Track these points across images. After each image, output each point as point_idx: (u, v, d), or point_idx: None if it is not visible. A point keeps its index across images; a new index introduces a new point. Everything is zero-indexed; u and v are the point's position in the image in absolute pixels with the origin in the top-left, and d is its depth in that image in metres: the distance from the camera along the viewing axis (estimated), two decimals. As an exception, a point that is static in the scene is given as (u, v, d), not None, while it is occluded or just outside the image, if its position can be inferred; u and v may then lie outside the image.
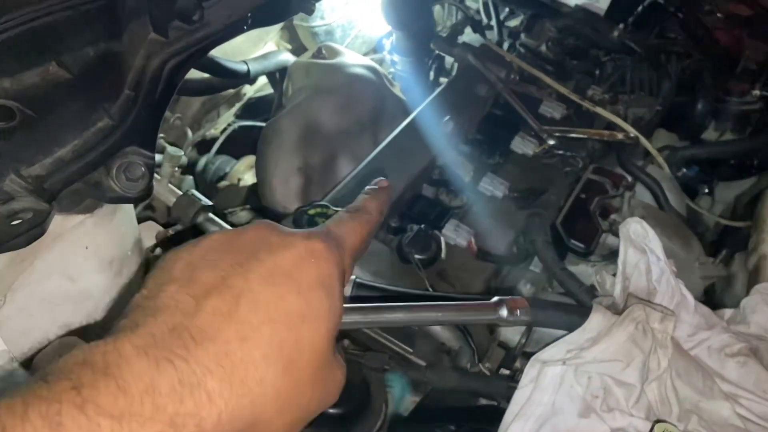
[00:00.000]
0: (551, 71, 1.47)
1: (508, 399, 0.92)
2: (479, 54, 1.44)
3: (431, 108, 1.31)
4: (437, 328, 0.95)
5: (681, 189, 1.41)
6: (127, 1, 0.76)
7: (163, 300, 0.43)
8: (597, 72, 1.50)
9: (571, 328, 0.91)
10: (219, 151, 1.76)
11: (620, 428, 0.92)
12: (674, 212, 1.32)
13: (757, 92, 1.44)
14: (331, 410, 0.90)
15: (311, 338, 0.46)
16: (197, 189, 1.69)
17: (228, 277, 0.45)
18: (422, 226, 1.03)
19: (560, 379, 0.92)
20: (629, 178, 1.33)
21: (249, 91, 1.74)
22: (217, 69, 1.41)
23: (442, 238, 1.05)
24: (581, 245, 1.15)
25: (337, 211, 1.02)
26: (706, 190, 1.54)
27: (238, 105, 1.73)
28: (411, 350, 1.00)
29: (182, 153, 0.99)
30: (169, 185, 0.90)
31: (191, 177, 1.74)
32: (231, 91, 1.66)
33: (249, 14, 0.91)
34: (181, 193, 0.90)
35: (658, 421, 0.83)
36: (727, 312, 1.19)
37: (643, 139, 1.37)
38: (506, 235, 1.16)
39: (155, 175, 0.90)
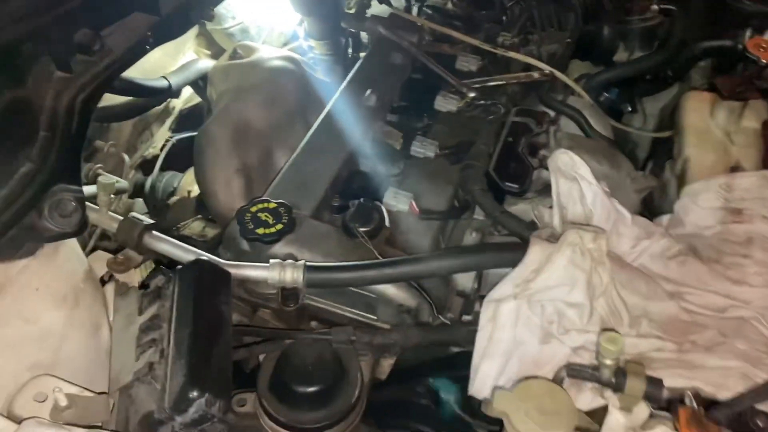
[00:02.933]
0: (460, 26, 1.51)
1: (473, 342, 0.97)
2: (389, 24, 1.47)
3: (352, 86, 1.35)
4: (393, 291, 1.00)
5: (604, 113, 1.48)
6: (24, 46, 0.77)
7: None
8: (504, 18, 1.55)
9: (515, 265, 0.96)
10: (163, 168, 1.77)
11: (579, 346, 0.98)
12: (600, 136, 1.38)
13: (655, 7, 1.50)
14: (308, 389, 0.95)
15: None
16: (148, 209, 1.72)
17: None
18: (362, 199, 1.08)
19: (516, 313, 0.97)
20: (552, 114, 1.39)
21: (177, 104, 1.75)
22: (138, 90, 1.42)
23: (383, 207, 1.09)
24: (515, 186, 1.21)
25: (279, 204, 1.06)
26: (630, 109, 1.60)
27: (169, 120, 1.74)
28: (375, 317, 1.05)
29: (115, 180, 1.01)
30: (109, 213, 0.93)
31: (141, 199, 1.76)
32: (158, 108, 1.67)
33: (149, 33, 0.93)
34: (122, 218, 0.93)
35: (603, 330, 0.89)
36: (665, 218, 1.26)
37: (558, 73, 1.42)
38: (445, 191, 1.21)
39: (93, 205, 0.93)
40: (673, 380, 0.87)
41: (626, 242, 1.17)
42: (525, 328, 0.97)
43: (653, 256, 1.16)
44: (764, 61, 1.38)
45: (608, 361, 0.81)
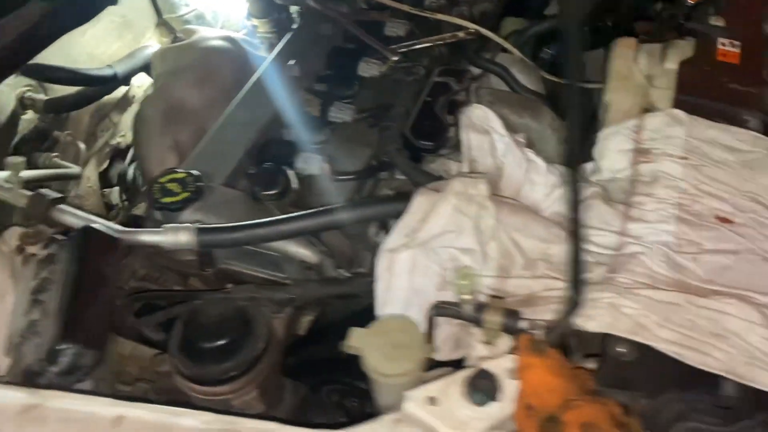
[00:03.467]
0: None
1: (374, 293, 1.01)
2: (318, -4, 1.50)
3: (278, 58, 1.39)
4: (294, 249, 1.05)
5: (536, 66, 1.48)
6: None
7: None
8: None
9: (396, 217, 0.99)
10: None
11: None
12: (526, 90, 1.39)
13: (581, -44, 1.49)
14: (212, 344, 1.00)
15: None
16: (125, 197, 1.80)
17: None
18: (267, 164, 1.12)
19: (411, 262, 1.01)
20: (477, 72, 1.40)
21: (138, 92, 1.82)
22: (82, 79, 1.50)
23: (292, 171, 1.13)
24: (428, 143, 1.23)
25: (188, 174, 1.11)
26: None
27: (132, 108, 1.81)
28: (283, 275, 1.10)
29: (23, 159, 1.08)
30: (21, 191, 1.00)
31: (117, 188, 1.84)
32: (116, 96, 1.73)
33: (42, 21, 0.99)
34: (31, 194, 1.00)
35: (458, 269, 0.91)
36: (589, 166, 1.27)
37: (484, 31, 1.43)
38: (363, 153, 1.25)
39: (4, 184, 1.00)
40: (545, 314, 0.90)
41: (540, 190, 1.18)
42: (422, 276, 1.01)
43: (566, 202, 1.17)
44: (690, 1, 1.36)
45: (466, 297, 0.84)
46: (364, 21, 1.47)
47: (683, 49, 1.30)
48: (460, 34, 1.43)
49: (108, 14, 1.61)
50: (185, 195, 1.07)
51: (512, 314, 0.83)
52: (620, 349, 0.82)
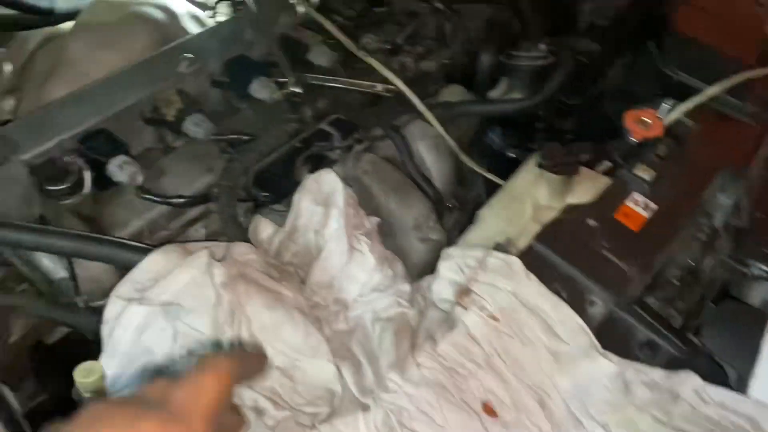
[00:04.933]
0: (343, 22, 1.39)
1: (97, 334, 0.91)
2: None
3: (186, 46, 1.28)
4: (39, 257, 0.96)
5: (458, 148, 1.31)
6: None
7: None
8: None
9: (127, 266, 0.88)
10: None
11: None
12: (415, 171, 1.23)
13: (543, 46, 1.30)
14: None
15: None
16: None
17: None
18: (67, 157, 1.03)
19: (145, 319, 0.89)
20: (380, 133, 1.25)
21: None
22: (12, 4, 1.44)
23: (87, 171, 1.03)
24: (265, 194, 1.11)
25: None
26: (513, 155, 1.42)
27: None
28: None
29: None
30: None
31: None
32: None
33: None
34: None
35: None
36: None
37: (408, 92, 1.28)
38: (200, 177, 1.14)
39: None
40: None
41: (355, 289, 1.04)
42: (156, 336, 0.89)
43: (374, 312, 1.03)
44: (633, 139, 1.17)
45: (87, 395, 0.72)
46: (292, 38, 1.35)
47: (587, 190, 1.11)
48: (379, 87, 1.29)
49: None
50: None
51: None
52: None
